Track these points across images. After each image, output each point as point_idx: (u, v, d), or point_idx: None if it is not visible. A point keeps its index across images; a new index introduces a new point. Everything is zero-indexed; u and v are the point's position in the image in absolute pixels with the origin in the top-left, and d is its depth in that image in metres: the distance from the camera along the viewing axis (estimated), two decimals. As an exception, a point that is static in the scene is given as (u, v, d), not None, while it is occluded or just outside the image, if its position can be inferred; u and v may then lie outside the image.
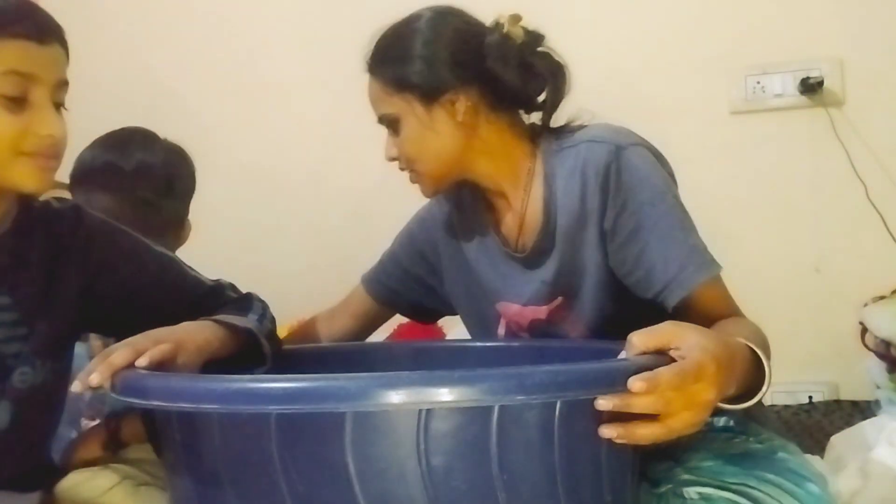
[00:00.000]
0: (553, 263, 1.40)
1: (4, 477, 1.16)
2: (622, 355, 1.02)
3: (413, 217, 1.62)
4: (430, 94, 1.38)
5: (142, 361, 1.01)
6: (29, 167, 1.11)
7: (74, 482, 1.22)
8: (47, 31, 1.12)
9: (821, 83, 2.20)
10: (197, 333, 1.13)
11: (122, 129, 1.65)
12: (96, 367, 1.00)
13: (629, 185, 1.32)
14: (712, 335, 1.01)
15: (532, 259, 1.42)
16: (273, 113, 2.70)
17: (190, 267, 1.32)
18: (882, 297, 1.97)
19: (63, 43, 1.14)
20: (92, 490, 1.23)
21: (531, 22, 1.41)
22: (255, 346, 1.20)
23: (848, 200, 2.15)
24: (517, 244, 1.45)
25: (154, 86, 2.65)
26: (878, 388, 1.96)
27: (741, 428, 1.28)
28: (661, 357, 0.97)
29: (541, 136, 1.44)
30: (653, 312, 1.25)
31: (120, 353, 1.01)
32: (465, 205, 1.53)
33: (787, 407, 2.21)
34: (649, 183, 1.33)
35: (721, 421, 1.28)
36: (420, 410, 0.87)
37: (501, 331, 1.50)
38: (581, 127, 1.42)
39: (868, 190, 2.14)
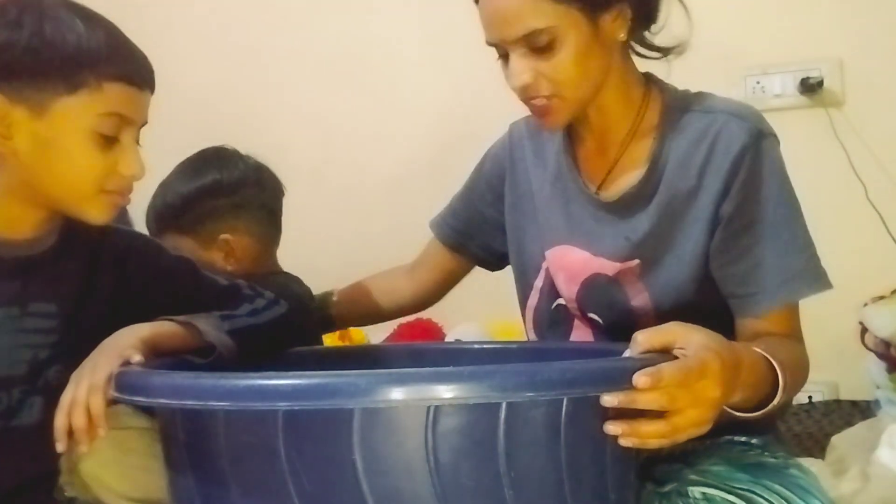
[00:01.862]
0: (645, 222, 1.27)
1: (33, 472, 1.18)
2: (626, 353, 1.02)
3: (484, 154, 1.50)
4: (596, 6, 1.20)
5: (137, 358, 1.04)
6: (103, 203, 1.15)
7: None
8: (147, 77, 1.16)
9: (820, 83, 2.20)
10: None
11: (198, 154, 1.61)
12: (83, 437, 1.02)
13: (763, 176, 1.22)
14: (717, 337, 1.01)
15: (621, 209, 1.29)
16: (270, 111, 2.70)
17: (204, 268, 1.33)
18: (882, 297, 1.97)
19: (153, 87, 1.18)
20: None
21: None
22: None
23: (847, 200, 2.15)
24: (599, 187, 1.32)
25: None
26: (878, 388, 1.96)
27: (759, 443, 1.28)
28: (667, 356, 0.98)
29: (656, 83, 1.32)
30: (719, 320, 1.13)
31: (94, 397, 1.02)
32: (541, 134, 1.39)
33: (786, 407, 2.21)
34: (782, 180, 1.25)
35: (742, 437, 1.27)
36: (429, 407, 0.87)
37: (539, 283, 1.39)
38: (702, 92, 1.32)
39: (867, 190, 2.14)
